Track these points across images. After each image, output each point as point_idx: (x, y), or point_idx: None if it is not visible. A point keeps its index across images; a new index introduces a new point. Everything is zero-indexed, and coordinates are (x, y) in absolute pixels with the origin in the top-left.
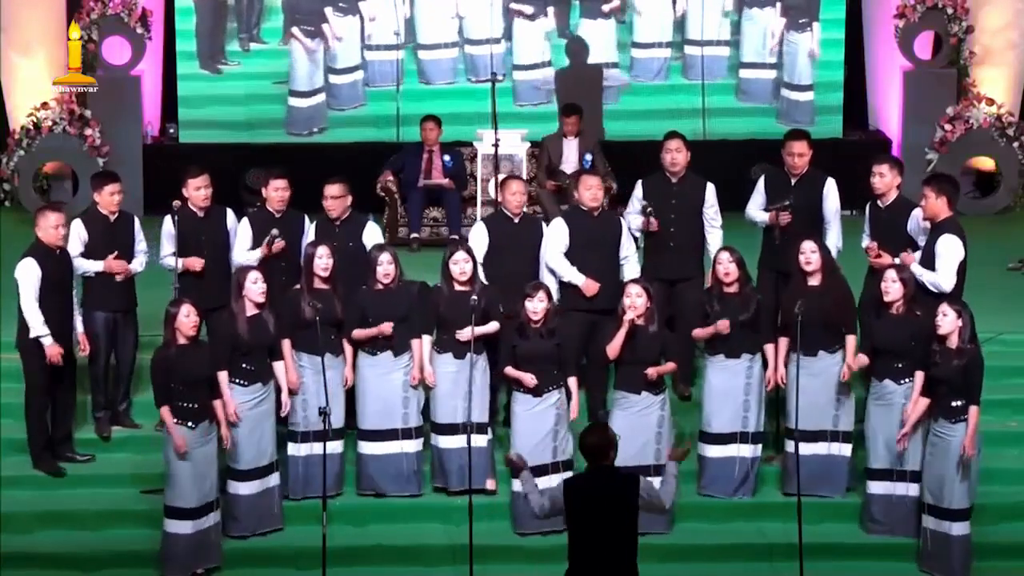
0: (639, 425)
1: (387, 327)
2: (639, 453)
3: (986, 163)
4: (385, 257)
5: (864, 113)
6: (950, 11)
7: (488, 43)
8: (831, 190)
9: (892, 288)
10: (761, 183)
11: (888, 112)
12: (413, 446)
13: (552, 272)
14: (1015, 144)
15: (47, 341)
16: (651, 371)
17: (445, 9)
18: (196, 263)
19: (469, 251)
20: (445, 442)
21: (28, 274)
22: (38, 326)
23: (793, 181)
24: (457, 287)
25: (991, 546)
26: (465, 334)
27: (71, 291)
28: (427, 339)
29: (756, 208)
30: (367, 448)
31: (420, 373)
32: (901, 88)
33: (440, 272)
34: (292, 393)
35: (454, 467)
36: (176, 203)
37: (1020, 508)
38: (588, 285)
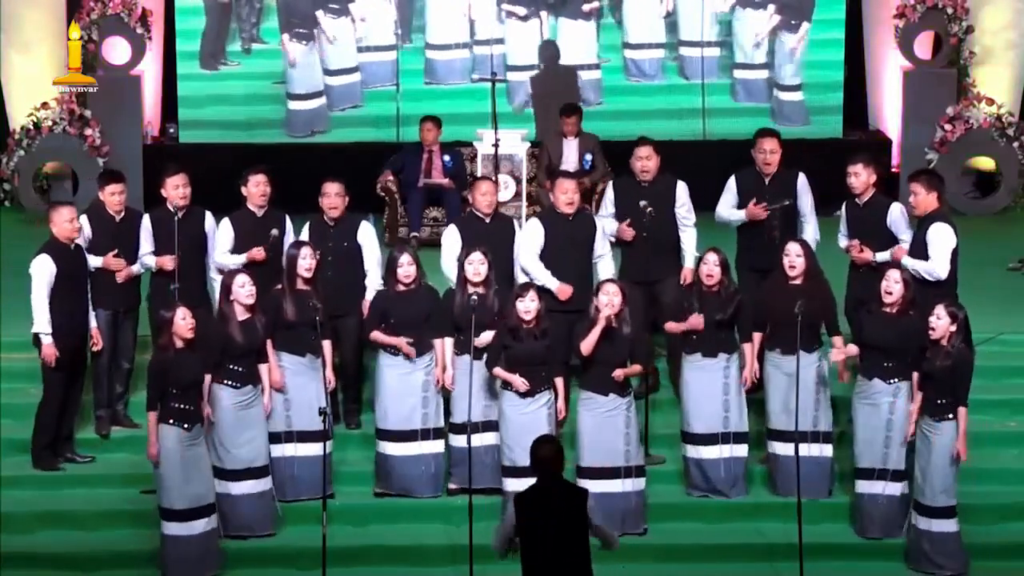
0: (606, 426)
1: (406, 346)
2: (607, 455)
3: (986, 163)
4: (405, 259)
5: (864, 113)
6: (950, 11)
7: (490, 43)
8: (804, 186)
9: (894, 288)
10: (732, 182)
11: (888, 112)
12: (433, 447)
13: (526, 274)
14: (1015, 144)
15: (46, 340)
16: (618, 373)
17: (456, 9)
18: (168, 262)
19: (484, 252)
20: (461, 441)
21: (42, 270)
22: (42, 323)
23: (766, 180)
24: (471, 288)
25: (989, 546)
26: (481, 340)
27: (86, 287)
28: (449, 340)
29: (728, 207)
30: (387, 448)
31: (443, 374)
32: (901, 88)
33: (456, 273)
34: (278, 390)
35: (484, 464)
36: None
37: (1020, 508)
38: (562, 289)
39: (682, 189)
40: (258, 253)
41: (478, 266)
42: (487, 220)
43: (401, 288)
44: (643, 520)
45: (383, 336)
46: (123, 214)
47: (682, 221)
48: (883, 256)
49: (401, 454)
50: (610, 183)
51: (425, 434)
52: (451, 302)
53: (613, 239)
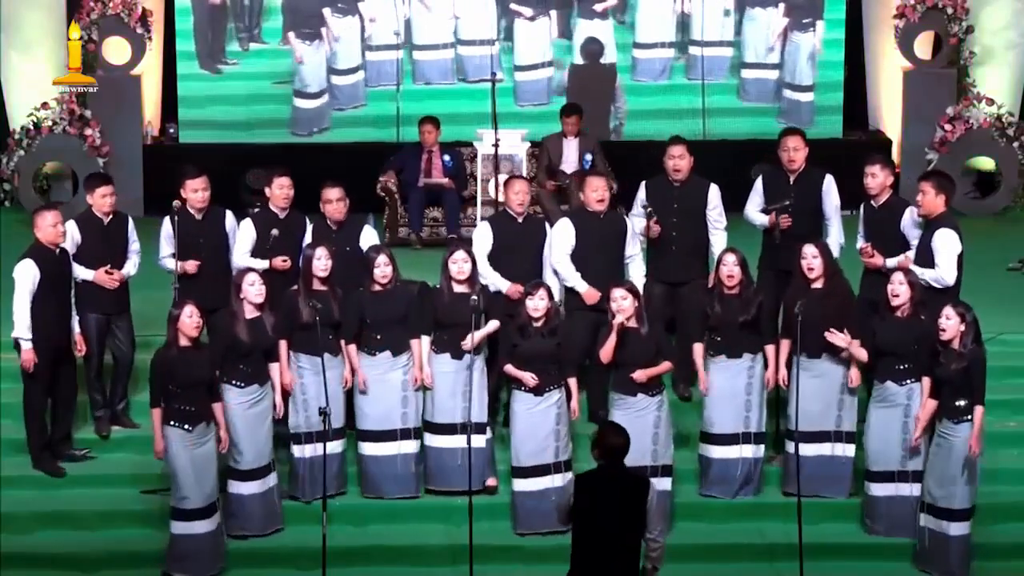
0: (636, 426)
1: (362, 381)
2: (635, 453)
3: (986, 163)
4: (382, 259)
5: (864, 113)
6: (950, 11)
7: (485, 44)
8: (830, 187)
9: (900, 291)
10: (759, 183)
11: (888, 112)
12: (412, 447)
13: (556, 274)
14: (1015, 144)
15: (26, 345)
16: (638, 374)
17: (442, 10)
18: (191, 266)
19: (468, 251)
20: (441, 442)
21: (25, 275)
22: (22, 329)
23: (792, 179)
24: (456, 287)
25: (991, 546)
26: (468, 343)
27: (70, 290)
28: (426, 339)
29: (755, 209)
30: (367, 449)
31: (420, 373)
32: (901, 88)
33: (440, 272)
34: (286, 394)
35: (449, 467)
36: (176, 203)
37: (1020, 508)
38: (589, 294)
39: (714, 192)
40: (281, 263)
41: (462, 265)
42: (519, 220)
43: (377, 288)
44: (668, 521)
45: (353, 352)
46: (111, 217)
47: (713, 224)
48: (893, 262)
49: (380, 454)
50: (643, 183)
51: (405, 433)
52: (437, 300)
53: (643, 237)
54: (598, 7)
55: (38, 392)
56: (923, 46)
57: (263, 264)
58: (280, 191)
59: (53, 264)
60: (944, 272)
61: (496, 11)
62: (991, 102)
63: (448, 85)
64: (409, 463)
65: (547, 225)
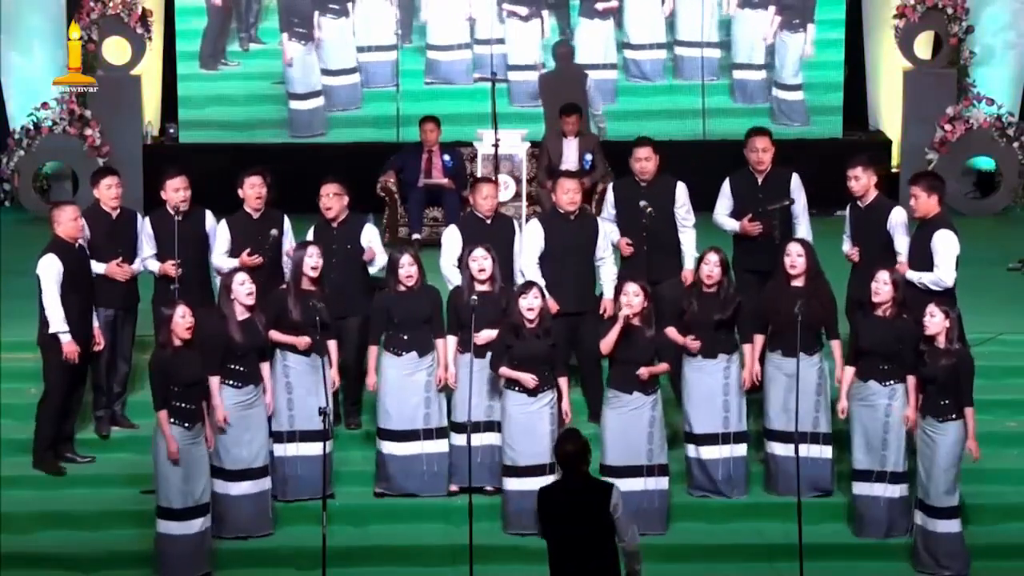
0: (630, 425)
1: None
2: (630, 453)
3: (986, 163)
4: (406, 259)
5: (864, 113)
6: (950, 11)
7: (490, 43)
8: (797, 186)
9: (882, 290)
10: (727, 187)
11: (888, 112)
12: (435, 447)
13: (524, 277)
14: (1015, 144)
15: (65, 338)
16: (643, 371)
17: (457, 10)
18: (171, 270)
19: (488, 249)
20: (463, 440)
21: (50, 270)
22: (58, 322)
23: (759, 180)
24: (477, 286)
25: (990, 546)
26: (482, 337)
27: (91, 285)
28: (452, 339)
29: (723, 214)
30: (389, 448)
31: (445, 373)
32: (901, 88)
33: (461, 272)
34: (307, 351)
35: (481, 464)
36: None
37: (1020, 508)
38: (548, 305)
39: (681, 190)
40: (249, 259)
41: (482, 262)
42: (488, 221)
43: (402, 288)
44: (664, 520)
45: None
46: (119, 212)
47: (681, 222)
48: (914, 276)
49: (403, 454)
50: (610, 185)
51: (427, 434)
52: (458, 300)
53: (613, 244)
54: (600, 6)
55: (60, 391)
56: (923, 46)
57: (233, 263)
58: (252, 190)
59: (74, 259)
60: (944, 274)
61: (498, 12)
62: (991, 102)
63: (456, 85)
64: (433, 463)
65: (516, 224)
